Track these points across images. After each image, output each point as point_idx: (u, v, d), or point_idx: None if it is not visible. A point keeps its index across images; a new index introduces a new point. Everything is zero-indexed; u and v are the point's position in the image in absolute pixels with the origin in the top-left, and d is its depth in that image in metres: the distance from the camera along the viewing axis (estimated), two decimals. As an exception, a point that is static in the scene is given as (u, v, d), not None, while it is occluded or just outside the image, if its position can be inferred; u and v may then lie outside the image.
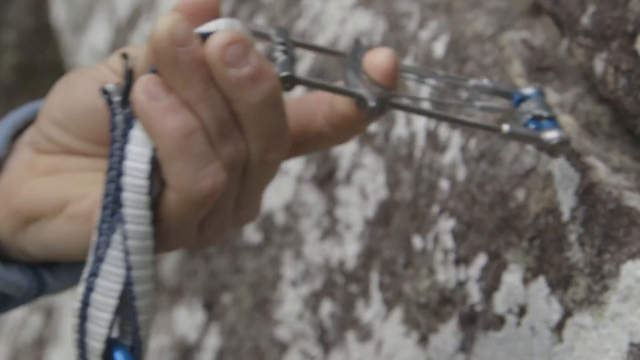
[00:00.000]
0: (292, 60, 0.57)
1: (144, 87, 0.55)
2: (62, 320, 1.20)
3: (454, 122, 0.61)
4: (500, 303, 0.68)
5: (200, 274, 0.99)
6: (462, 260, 0.72)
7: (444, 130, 0.77)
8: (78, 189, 0.61)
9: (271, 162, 0.58)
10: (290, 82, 0.56)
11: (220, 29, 0.55)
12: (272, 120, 0.56)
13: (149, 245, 0.56)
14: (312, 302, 0.86)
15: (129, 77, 0.56)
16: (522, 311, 0.67)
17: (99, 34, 1.37)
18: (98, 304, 0.56)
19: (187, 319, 0.99)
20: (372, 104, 0.57)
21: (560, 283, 0.65)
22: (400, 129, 0.80)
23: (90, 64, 1.37)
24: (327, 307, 0.84)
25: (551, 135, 0.60)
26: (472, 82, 0.63)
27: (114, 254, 0.55)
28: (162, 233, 0.57)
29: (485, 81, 0.64)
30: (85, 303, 0.56)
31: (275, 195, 0.91)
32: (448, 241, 0.73)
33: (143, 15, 1.27)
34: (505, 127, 0.60)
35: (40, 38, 1.82)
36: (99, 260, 0.55)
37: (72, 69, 1.47)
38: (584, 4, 0.69)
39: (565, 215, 0.65)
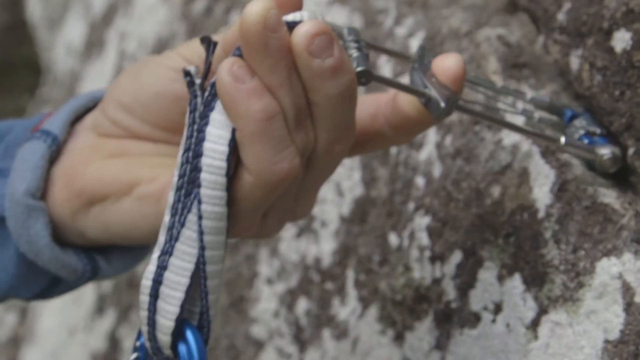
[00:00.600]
0: (366, 57, 0.58)
1: (230, 69, 0.55)
2: (37, 319, 1.19)
3: (515, 130, 0.64)
4: (476, 300, 0.68)
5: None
6: (438, 258, 0.72)
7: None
8: (147, 171, 0.61)
9: (335, 155, 0.59)
10: (366, 77, 0.57)
11: (305, 19, 0.56)
12: (344, 113, 0.57)
13: (223, 227, 0.56)
14: (288, 299, 0.85)
15: (210, 58, 0.56)
16: (497, 308, 0.67)
17: (74, 30, 1.36)
18: (170, 283, 0.56)
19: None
20: (442, 104, 0.58)
21: (535, 280, 0.65)
22: (376, 126, 0.80)
23: (65, 60, 1.36)
24: (303, 305, 0.83)
25: (605, 150, 0.64)
26: (530, 96, 0.66)
27: (188, 233, 0.56)
28: (232, 216, 0.57)
29: (541, 96, 0.67)
30: (158, 281, 0.56)
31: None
32: (424, 238, 0.73)
33: (119, 11, 1.26)
34: (562, 139, 0.63)
35: (16, 34, 1.81)
36: (173, 239, 0.56)
37: (47, 65, 1.46)
38: (559, 1, 0.69)
39: (541, 212, 0.65)
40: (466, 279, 0.69)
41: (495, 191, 0.68)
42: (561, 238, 0.64)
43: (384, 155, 0.79)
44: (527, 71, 0.72)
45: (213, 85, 0.55)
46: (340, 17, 0.87)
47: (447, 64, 0.60)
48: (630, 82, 0.62)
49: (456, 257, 0.70)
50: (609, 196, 0.63)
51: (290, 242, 0.86)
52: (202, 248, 0.56)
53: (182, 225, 0.56)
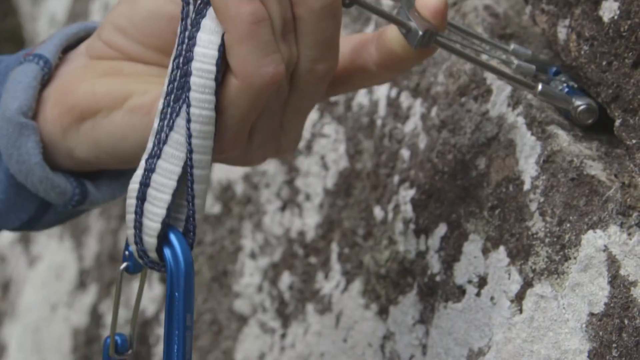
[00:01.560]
0: None
1: None
2: (19, 295, 1.18)
3: (492, 71, 0.64)
4: (460, 274, 0.67)
5: (158, 245, 0.97)
6: (422, 231, 0.71)
7: (405, 99, 0.75)
8: (139, 85, 0.62)
9: (318, 76, 0.60)
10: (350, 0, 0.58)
11: None
12: (327, 30, 0.59)
13: (211, 131, 0.57)
14: (272, 274, 0.85)
15: None
16: (482, 281, 0.66)
17: (57, 2, 1.34)
18: (158, 185, 0.57)
19: (145, 292, 0.98)
20: (420, 33, 0.59)
21: (520, 253, 0.64)
22: (361, 98, 0.79)
23: (48, 32, 1.34)
24: (286, 279, 0.83)
25: (581, 101, 0.64)
26: (513, 45, 0.66)
27: (177, 137, 0.57)
28: (219, 125, 0.58)
29: (524, 48, 0.67)
30: (145, 184, 0.57)
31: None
32: (408, 211, 0.72)
33: (103, -18, 1.24)
34: (539, 86, 0.63)
35: (0, 6, 1.79)
36: (161, 142, 0.57)
37: (31, 38, 1.45)
38: (547, -30, 0.68)
39: (527, 184, 0.64)
40: (451, 252, 0.68)
41: (481, 163, 0.68)
42: (546, 210, 0.63)
43: (369, 128, 0.78)
44: (515, 42, 0.71)
45: None
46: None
47: (428, 0, 0.60)
48: (617, 53, 0.61)
49: (441, 229, 0.69)
50: (595, 168, 0.62)
51: (274, 216, 0.85)
52: (190, 152, 0.57)
53: (171, 128, 0.57)
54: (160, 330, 0.95)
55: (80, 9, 1.28)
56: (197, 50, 0.56)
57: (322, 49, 0.59)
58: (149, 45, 0.63)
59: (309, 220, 0.81)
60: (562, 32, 0.66)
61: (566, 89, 0.65)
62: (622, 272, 0.59)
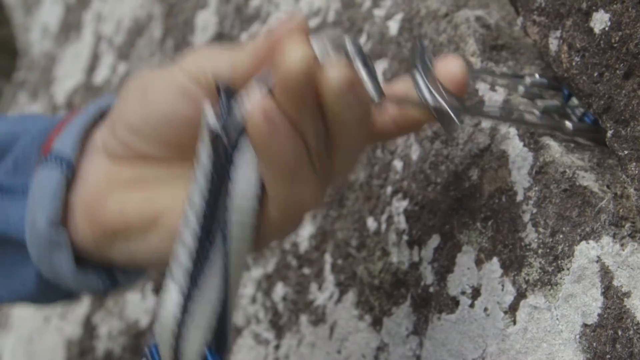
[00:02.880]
0: (374, 75, 0.59)
1: (264, 111, 0.55)
2: (12, 307, 1.18)
3: (523, 125, 0.64)
4: (454, 285, 0.67)
5: (152, 257, 0.97)
6: (416, 242, 0.71)
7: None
8: (169, 200, 0.61)
9: (349, 171, 0.63)
10: (382, 102, 0.58)
11: (321, 52, 0.56)
12: (361, 136, 0.58)
13: (246, 262, 0.59)
14: (265, 285, 0.84)
15: (231, 107, 0.56)
16: (475, 293, 0.66)
17: (50, 12, 1.34)
18: (198, 313, 0.58)
19: (139, 303, 0.98)
20: (457, 120, 0.59)
21: (513, 264, 0.64)
22: (354, 109, 0.79)
23: (41, 42, 1.34)
24: (280, 290, 0.82)
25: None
26: (529, 79, 0.66)
27: (214, 265, 0.57)
28: (255, 243, 0.59)
29: (538, 76, 0.66)
30: (186, 312, 0.58)
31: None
32: (401, 222, 0.72)
33: (95, -7, 1.24)
34: (569, 125, 0.63)
35: (-8, 17, 1.79)
36: (198, 286, 0.58)
37: (24, 47, 1.45)
38: (539, -19, 0.68)
39: (519, 195, 0.64)
40: (444, 263, 0.68)
41: (474, 174, 0.68)
42: (539, 221, 0.63)
43: (361, 139, 0.78)
44: (506, 53, 0.71)
45: (239, 131, 0.56)
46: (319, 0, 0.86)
47: (451, 71, 0.60)
48: (609, 64, 0.62)
49: (434, 241, 0.69)
50: (588, 179, 0.62)
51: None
52: (225, 291, 0.58)
53: (208, 259, 0.57)
54: (154, 341, 0.95)
55: (73, 20, 1.28)
56: (237, 187, 0.56)
57: (356, 154, 0.60)
58: (167, 144, 0.61)
59: (303, 231, 0.81)
60: (553, 44, 0.66)
61: (587, 117, 0.64)
62: (615, 283, 0.59)
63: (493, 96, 0.67)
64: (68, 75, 1.25)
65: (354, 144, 0.59)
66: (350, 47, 0.59)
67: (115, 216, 0.61)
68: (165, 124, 0.60)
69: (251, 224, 0.57)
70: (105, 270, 0.64)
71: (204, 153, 0.57)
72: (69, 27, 1.28)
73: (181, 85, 0.60)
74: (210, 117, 0.56)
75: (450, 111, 0.59)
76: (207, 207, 0.56)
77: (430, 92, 0.60)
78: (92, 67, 1.20)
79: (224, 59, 0.59)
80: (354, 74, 0.56)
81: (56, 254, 0.62)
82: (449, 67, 0.60)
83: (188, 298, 0.58)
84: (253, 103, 0.55)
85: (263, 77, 0.57)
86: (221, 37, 0.98)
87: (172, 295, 0.58)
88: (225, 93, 0.57)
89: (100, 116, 0.64)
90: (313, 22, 0.87)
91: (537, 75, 0.66)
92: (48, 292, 0.65)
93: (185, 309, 0.58)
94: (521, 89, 0.66)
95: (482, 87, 0.69)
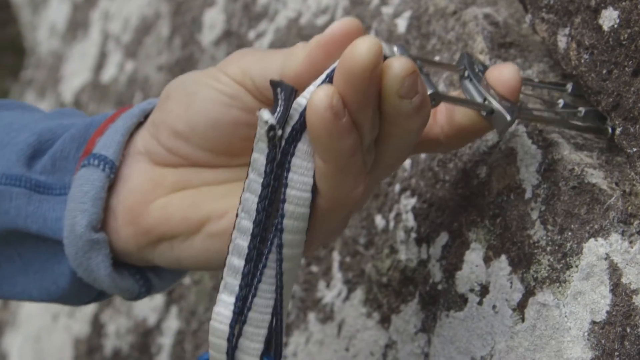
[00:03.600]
0: (428, 76, 0.59)
1: (330, 104, 0.54)
2: (20, 304, 1.18)
3: (569, 128, 0.64)
4: (462, 282, 0.67)
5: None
6: (424, 239, 0.71)
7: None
8: (214, 205, 0.60)
9: (396, 167, 0.62)
10: (436, 99, 0.58)
11: (385, 49, 0.56)
12: (415, 138, 0.58)
13: (298, 264, 0.59)
14: (273, 282, 0.84)
15: (289, 107, 0.55)
16: (483, 290, 0.66)
17: (57, 11, 1.34)
18: (255, 322, 0.58)
19: (147, 301, 0.98)
20: (508, 117, 0.60)
21: (522, 261, 0.64)
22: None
23: (48, 41, 1.34)
24: (288, 288, 0.83)
25: None
26: (569, 85, 0.67)
27: (269, 272, 0.57)
28: (306, 243, 0.58)
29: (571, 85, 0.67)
30: (243, 322, 0.57)
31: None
32: (410, 220, 0.72)
33: (103, -9, 1.25)
34: (609, 129, 0.63)
35: (0, 15, 1.79)
36: (254, 284, 0.57)
37: (31, 46, 1.45)
38: (547, -21, 0.68)
39: (528, 193, 0.64)
40: (452, 261, 0.68)
41: (482, 172, 0.68)
42: (548, 219, 0.63)
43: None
44: (514, 50, 0.71)
45: (293, 130, 0.55)
46: (326, -4, 0.86)
47: (504, 76, 0.60)
48: (617, 61, 0.61)
49: (442, 238, 0.70)
50: (596, 176, 0.62)
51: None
52: (280, 287, 0.57)
53: (264, 267, 0.57)
54: (161, 339, 0.95)
55: (80, 18, 1.29)
56: (290, 192, 0.56)
57: (404, 152, 0.59)
58: (215, 150, 0.60)
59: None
60: (562, 41, 0.66)
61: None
62: (623, 280, 0.59)
63: (530, 99, 0.67)
64: (75, 74, 1.25)
65: (405, 141, 0.58)
66: (396, 49, 0.59)
67: (159, 222, 0.60)
68: (211, 129, 0.59)
69: (306, 215, 0.56)
70: (141, 274, 0.64)
71: (259, 149, 0.56)
72: (77, 26, 1.29)
73: (227, 92, 0.59)
74: (265, 112, 0.55)
75: (501, 109, 0.60)
76: (262, 207, 0.56)
77: (481, 94, 0.61)
78: (99, 66, 1.21)
79: (273, 63, 0.58)
80: (415, 69, 0.56)
81: (94, 257, 0.61)
82: (502, 72, 0.61)
83: (243, 306, 0.57)
84: (319, 94, 0.54)
85: (321, 79, 0.56)
86: (229, 35, 0.98)
87: (227, 304, 0.57)
88: (281, 88, 0.55)
89: (145, 118, 0.63)
90: (321, 20, 0.87)
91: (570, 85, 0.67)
92: (80, 292, 0.64)
93: (240, 318, 0.57)
94: (562, 100, 0.66)
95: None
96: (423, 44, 0.76)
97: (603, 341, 0.59)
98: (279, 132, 0.55)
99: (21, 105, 0.70)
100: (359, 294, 0.76)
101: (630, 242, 0.59)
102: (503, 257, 0.65)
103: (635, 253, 0.59)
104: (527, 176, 0.65)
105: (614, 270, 0.59)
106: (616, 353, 0.58)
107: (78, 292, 0.64)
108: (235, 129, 0.59)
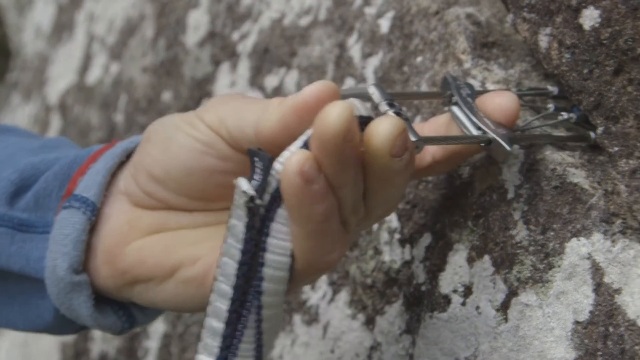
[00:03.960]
0: (407, 119, 0.59)
1: (300, 170, 0.54)
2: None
3: (558, 142, 0.64)
4: (446, 283, 0.67)
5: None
6: (407, 240, 0.71)
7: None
8: (187, 250, 0.61)
9: (383, 217, 0.62)
10: (420, 146, 0.58)
11: (361, 110, 0.56)
12: (404, 189, 0.58)
13: (278, 324, 0.59)
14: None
15: (267, 176, 0.55)
16: (467, 291, 0.66)
17: (43, 12, 1.34)
18: None
19: (133, 304, 0.97)
20: (508, 148, 0.60)
21: (505, 262, 0.64)
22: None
23: (34, 43, 1.34)
24: (273, 290, 0.82)
25: None
26: (550, 87, 0.67)
27: (249, 333, 0.57)
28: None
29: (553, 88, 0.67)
30: None
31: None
32: (393, 221, 0.72)
33: (87, -7, 1.24)
34: (592, 134, 0.63)
35: (-14, 18, 1.78)
36: (234, 344, 0.57)
37: (17, 48, 1.44)
38: (528, -22, 0.68)
39: (510, 193, 0.64)
40: (436, 262, 0.68)
41: (465, 172, 0.68)
42: (530, 219, 0.63)
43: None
44: (497, 50, 0.71)
45: (272, 197, 0.55)
46: (309, -3, 0.86)
47: (503, 105, 0.60)
48: (598, 60, 0.61)
49: (426, 239, 0.69)
50: (578, 176, 0.62)
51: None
52: (260, 346, 0.58)
53: (244, 328, 0.57)
54: (147, 343, 0.95)
55: (66, 20, 1.28)
56: (269, 257, 0.56)
57: (394, 202, 0.59)
58: (190, 196, 0.61)
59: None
60: (543, 40, 0.66)
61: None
62: (606, 279, 0.59)
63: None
64: (61, 76, 1.25)
65: (395, 193, 0.58)
66: (375, 95, 0.59)
67: (134, 264, 0.61)
68: (186, 176, 0.60)
69: (284, 278, 0.57)
70: (124, 310, 0.64)
71: (238, 216, 0.56)
72: (62, 28, 1.28)
73: (202, 139, 0.59)
74: (242, 181, 0.55)
75: (500, 140, 0.59)
76: (241, 273, 0.56)
77: (474, 123, 0.60)
78: (84, 68, 1.20)
79: (249, 117, 0.58)
80: (402, 123, 0.55)
81: (75, 297, 0.62)
82: (500, 101, 0.61)
83: None
84: (291, 161, 0.54)
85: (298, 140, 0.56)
86: (213, 36, 0.98)
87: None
88: (258, 157, 0.56)
89: (127, 156, 0.63)
90: (304, 21, 0.87)
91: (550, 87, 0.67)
92: (64, 326, 0.65)
93: None
94: (552, 105, 0.66)
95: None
96: (406, 45, 0.75)
97: (586, 341, 0.59)
98: (258, 202, 0.55)
99: (7, 129, 0.71)
100: (343, 295, 0.76)
101: (613, 242, 0.59)
102: (486, 257, 0.65)
103: (618, 252, 0.59)
104: (510, 176, 0.64)
105: (597, 270, 0.59)
106: (599, 353, 0.58)
107: (62, 325, 0.65)
108: (209, 176, 0.60)
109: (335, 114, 0.53)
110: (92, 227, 0.62)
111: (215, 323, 0.57)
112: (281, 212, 0.56)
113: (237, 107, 0.59)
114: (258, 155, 0.56)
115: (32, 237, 0.63)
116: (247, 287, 0.56)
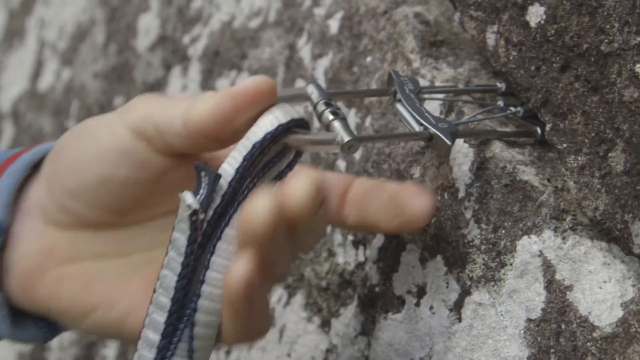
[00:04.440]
0: (344, 119, 0.58)
1: (246, 286, 0.53)
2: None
3: (504, 137, 0.64)
4: (399, 284, 0.67)
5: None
6: (360, 242, 0.71)
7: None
8: (105, 291, 0.59)
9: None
10: (355, 145, 0.57)
11: (281, 120, 0.56)
12: (325, 225, 0.60)
13: (211, 345, 0.58)
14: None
15: (212, 193, 0.55)
16: (420, 291, 0.66)
17: (-7, 19, 1.32)
18: None
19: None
20: (449, 142, 0.60)
21: (457, 261, 0.64)
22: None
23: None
24: (229, 294, 0.82)
25: None
26: (502, 85, 0.66)
27: (184, 346, 0.57)
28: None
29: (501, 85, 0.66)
30: None
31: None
32: (346, 222, 0.72)
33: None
34: (539, 130, 0.63)
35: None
36: (169, 354, 0.57)
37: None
38: (475, -24, 0.67)
39: (461, 192, 0.64)
40: (389, 263, 0.68)
41: (416, 172, 0.67)
42: (482, 217, 0.63)
43: (305, 139, 0.77)
44: (446, 49, 0.71)
45: (215, 213, 0.55)
46: (259, -2, 0.86)
47: (415, 208, 0.61)
48: (545, 57, 0.61)
49: (378, 240, 0.69)
50: (528, 173, 0.62)
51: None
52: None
53: (178, 341, 0.57)
54: (104, 351, 0.94)
55: (16, 26, 1.27)
56: (210, 274, 0.56)
57: (321, 235, 0.61)
58: (104, 208, 0.59)
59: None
60: (490, 38, 0.66)
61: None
62: (557, 276, 0.59)
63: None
64: (13, 83, 1.23)
65: (317, 231, 0.60)
66: (313, 94, 0.59)
67: (50, 297, 0.60)
68: (103, 188, 0.58)
69: (217, 311, 0.57)
70: (44, 320, 0.63)
71: (181, 229, 0.56)
72: (13, 34, 1.26)
73: (121, 144, 0.57)
74: (188, 195, 0.55)
75: (440, 134, 0.59)
76: (180, 286, 0.56)
77: (417, 120, 0.60)
78: (36, 74, 1.19)
79: (177, 109, 0.57)
80: (320, 183, 0.54)
81: None
82: (415, 204, 0.61)
83: None
84: (233, 274, 0.54)
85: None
86: (164, 40, 0.97)
87: None
88: (205, 172, 0.56)
89: (36, 165, 0.61)
90: (254, 23, 0.86)
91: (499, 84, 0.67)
92: None
93: None
94: (501, 102, 0.66)
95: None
96: (355, 45, 0.75)
97: (539, 339, 0.59)
98: (202, 216, 0.55)
99: None
100: (299, 298, 0.75)
101: (563, 238, 0.59)
102: (439, 257, 0.65)
103: (568, 249, 0.59)
104: (460, 175, 0.64)
105: (548, 267, 0.59)
106: (552, 350, 0.58)
107: None
108: (124, 187, 0.58)
109: (259, 209, 0.53)
110: (5, 247, 0.60)
111: (151, 334, 0.57)
112: (229, 232, 0.56)
113: (164, 101, 0.58)
114: (205, 169, 0.56)
115: None
116: (185, 300, 0.56)
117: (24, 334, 0.62)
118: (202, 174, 0.56)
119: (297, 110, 0.57)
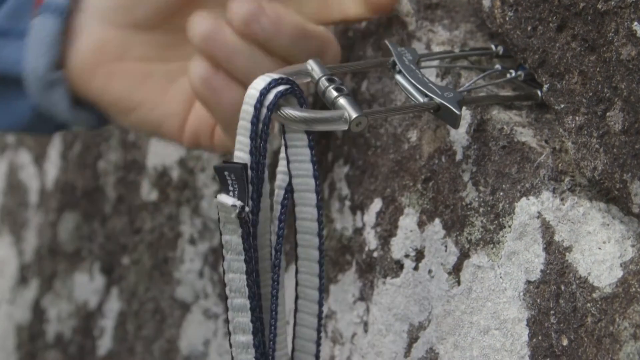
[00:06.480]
0: (350, 95, 0.59)
1: (202, 81, 0.64)
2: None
3: (505, 102, 0.63)
4: (397, 248, 0.67)
5: (98, 236, 0.96)
6: (358, 207, 0.70)
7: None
8: (149, 94, 0.68)
9: None
10: (363, 121, 0.58)
11: (260, 86, 0.58)
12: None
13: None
14: (212, 258, 0.83)
15: (242, 185, 0.58)
16: (419, 255, 0.65)
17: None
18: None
19: (87, 285, 0.96)
20: (458, 112, 0.59)
21: (455, 224, 0.63)
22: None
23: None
24: (227, 263, 0.81)
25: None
26: (493, 46, 0.66)
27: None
28: None
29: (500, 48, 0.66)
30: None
31: (170, 151, 0.88)
32: (344, 188, 0.71)
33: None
34: (539, 92, 0.62)
35: None
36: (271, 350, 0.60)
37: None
38: (470, -63, 0.67)
39: (459, 155, 0.64)
40: (387, 227, 0.68)
41: (413, 136, 0.67)
42: (479, 180, 0.62)
43: (301, 105, 0.77)
44: (441, 12, 0.70)
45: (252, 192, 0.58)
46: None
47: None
48: (542, 17, 0.61)
49: (376, 205, 0.69)
50: (526, 135, 0.62)
51: (211, 200, 0.84)
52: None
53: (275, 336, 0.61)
54: (103, 322, 0.94)
55: None
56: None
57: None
58: (154, 2, 0.67)
59: (247, 203, 0.80)
60: (486, 0, 0.65)
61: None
62: (556, 237, 0.59)
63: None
64: None
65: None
66: (314, 71, 0.59)
67: (101, 92, 0.68)
68: None
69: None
70: (98, 111, 0.70)
71: (230, 231, 0.58)
72: None
73: None
74: (225, 197, 0.57)
75: (448, 104, 0.59)
76: (252, 281, 0.58)
77: (420, 90, 0.60)
78: None
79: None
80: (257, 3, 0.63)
81: (54, 91, 0.69)
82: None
83: None
84: (193, 73, 0.64)
85: None
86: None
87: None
88: (229, 171, 0.57)
89: None
90: None
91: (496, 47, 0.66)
92: (42, 124, 0.72)
93: None
94: (498, 65, 0.65)
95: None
96: (350, 9, 0.74)
97: (538, 300, 0.59)
98: (247, 209, 0.56)
99: None
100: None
101: (562, 200, 0.59)
102: (437, 220, 0.64)
103: (567, 210, 0.59)
104: (457, 138, 0.64)
105: (547, 229, 0.59)
106: (552, 312, 0.58)
107: (39, 124, 0.72)
108: None
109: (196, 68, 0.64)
110: (66, 36, 0.68)
111: (242, 338, 0.58)
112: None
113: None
114: (227, 169, 0.57)
115: (8, 43, 0.69)
116: (260, 292, 0.58)
117: (79, 115, 0.70)
118: (226, 173, 0.57)
119: (271, 75, 0.57)
